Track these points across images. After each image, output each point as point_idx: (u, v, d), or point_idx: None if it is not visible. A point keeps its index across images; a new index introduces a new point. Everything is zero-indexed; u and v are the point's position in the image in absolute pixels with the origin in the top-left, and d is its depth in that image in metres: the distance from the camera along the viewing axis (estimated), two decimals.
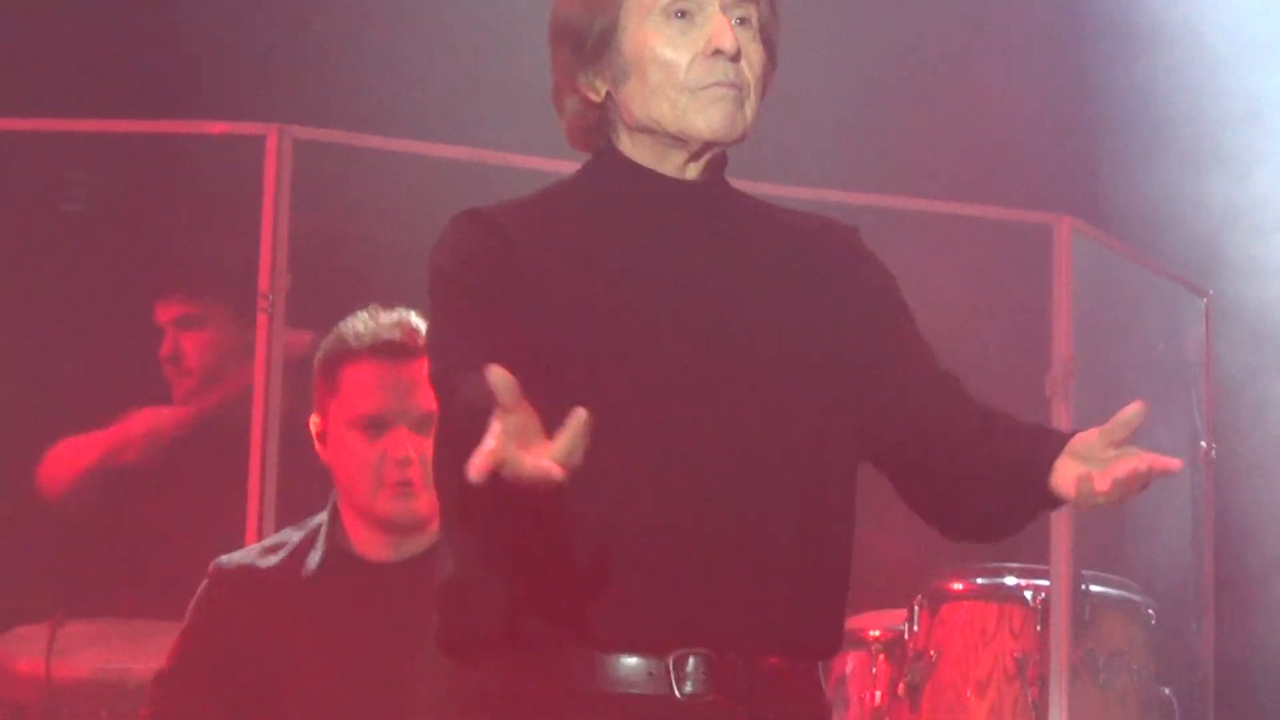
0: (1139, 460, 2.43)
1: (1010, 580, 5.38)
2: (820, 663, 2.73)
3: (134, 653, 4.93)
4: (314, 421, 3.82)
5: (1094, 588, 5.42)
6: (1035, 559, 5.40)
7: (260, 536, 4.91)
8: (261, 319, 5.03)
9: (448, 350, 2.56)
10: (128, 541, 5.53)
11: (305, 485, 4.94)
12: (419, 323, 3.77)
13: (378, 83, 6.09)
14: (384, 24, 6.26)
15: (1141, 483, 2.43)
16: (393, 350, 3.71)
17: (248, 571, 3.89)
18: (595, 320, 2.60)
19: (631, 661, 2.53)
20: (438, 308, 2.58)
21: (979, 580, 5.40)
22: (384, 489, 3.68)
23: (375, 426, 3.68)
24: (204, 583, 3.90)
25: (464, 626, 2.62)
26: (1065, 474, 2.50)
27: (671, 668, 2.52)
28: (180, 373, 5.88)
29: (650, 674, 2.53)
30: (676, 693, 2.52)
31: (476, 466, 2.20)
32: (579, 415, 2.21)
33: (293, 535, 3.94)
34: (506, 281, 2.57)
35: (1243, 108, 6.57)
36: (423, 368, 3.27)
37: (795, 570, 2.61)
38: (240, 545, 4.59)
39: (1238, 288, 6.38)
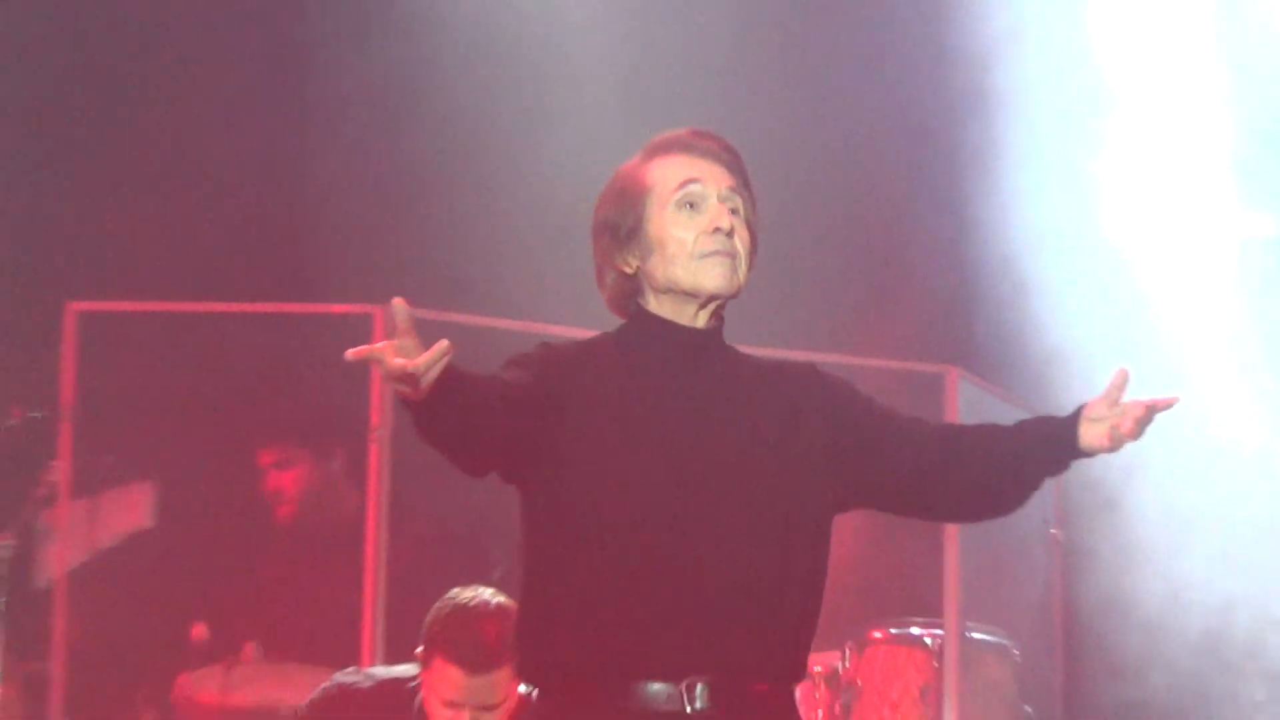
0: (1144, 403, 2.78)
1: (915, 630, 6.04)
2: (795, 688, 2.94)
3: (283, 689, 5.52)
4: (418, 650, 4.05)
5: (975, 635, 6.10)
6: (933, 615, 6.08)
7: (375, 622, 5.55)
8: (373, 448, 5.67)
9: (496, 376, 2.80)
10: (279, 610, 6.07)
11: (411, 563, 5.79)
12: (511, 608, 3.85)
13: (456, 268, 6.73)
14: (464, 219, 6.88)
15: (1150, 418, 2.78)
16: (479, 664, 3.89)
17: (363, 694, 4.22)
18: (625, 425, 2.83)
19: (656, 687, 2.75)
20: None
21: (893, 630, 6.05)
22: None
23: (452, 706, 3.95)
24: (321, 691, 4.26)
25: (536, 660, 2.86)
26: (1092, 434, 2.81)
27: (684, 691, 2.75)
28: (281, 502, 6.43)
29: (669, 696, 2.74)
30: (688, 709, 2.75)
31: (351, 351, 2.51)
32: (442, 344, 2.51)
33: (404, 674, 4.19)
34: (551, 378, 2.81)
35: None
36: (505, 674, 3.83)
37: (779, 621, 2.83)
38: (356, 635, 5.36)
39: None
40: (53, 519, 6.21)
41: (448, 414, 2.62)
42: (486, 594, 3.97)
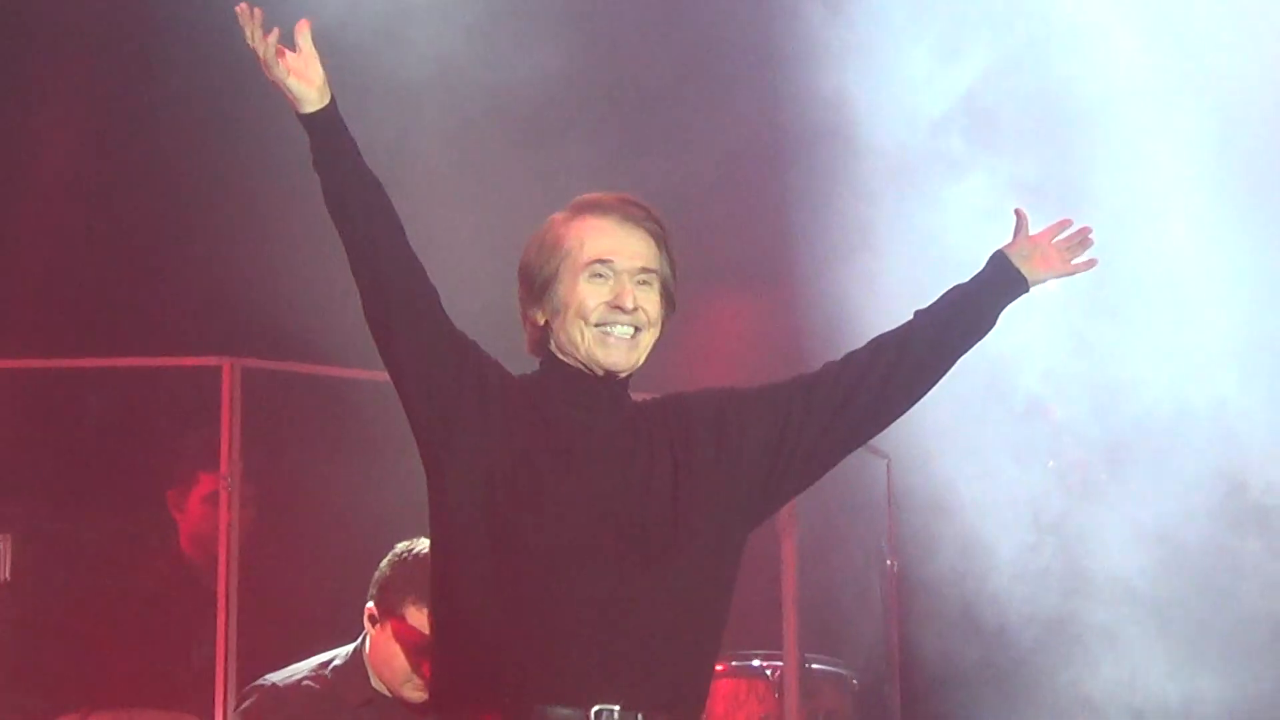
0: (1070, 233, 3.20)
1: (756, 662, 6.27)
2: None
3: None
4: (370, 608, 4.21)
5: (814, 665, 6.36)
6: (773, 647, 6.26)
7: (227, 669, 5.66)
8: (223, 495, 6.04)
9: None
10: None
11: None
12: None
13: (313, 316, 6.69)
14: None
15: (1081, 236, 3.20)
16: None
17: (293, 690, 4.27)
18: (533, 460, 3.01)
19: (565, 712, 2.93)
20: None
21: (734, 662, 6.27)
22: (409, 683, 4.17)
23: (415, 653, 4.14)
24: (252, 699, 4.29)
25: (446, 689, 3.06)
26: (1036, 271, 3.20)
27: (591, 717, 2.93)
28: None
29: None
30: None
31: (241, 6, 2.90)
32: (304, 34, 2.91)
33: (337, 657, 4.29)
34: (480, 384, 3.03)
35: None
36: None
37: (682, 658, 3.02)
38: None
39: (909, 454, 7.12)
40: None
41: (338, 149, 2.96)
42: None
